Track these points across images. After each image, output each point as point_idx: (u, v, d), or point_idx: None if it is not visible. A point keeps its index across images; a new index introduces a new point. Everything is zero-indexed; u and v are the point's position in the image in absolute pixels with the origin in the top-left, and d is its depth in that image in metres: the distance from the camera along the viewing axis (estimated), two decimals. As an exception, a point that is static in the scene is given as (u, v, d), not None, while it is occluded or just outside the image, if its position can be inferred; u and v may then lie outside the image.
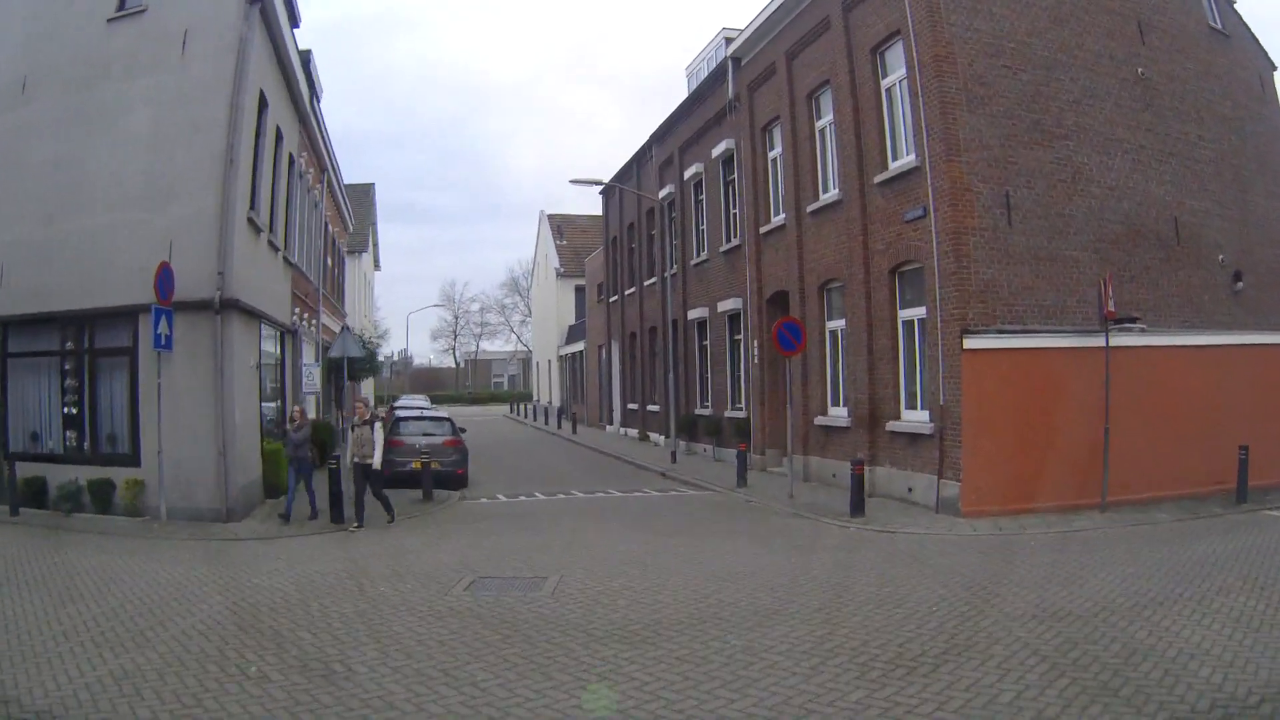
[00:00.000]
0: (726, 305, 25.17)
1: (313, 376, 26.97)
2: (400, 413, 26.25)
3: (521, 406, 62.74)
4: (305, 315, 27.31)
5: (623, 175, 38.25)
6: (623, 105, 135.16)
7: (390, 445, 21.78)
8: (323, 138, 30.38)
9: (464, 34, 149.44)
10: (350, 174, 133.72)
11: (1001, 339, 15.70)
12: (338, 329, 36.54)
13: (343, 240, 39.90)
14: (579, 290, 55.82)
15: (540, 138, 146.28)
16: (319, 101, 30.63)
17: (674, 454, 25.72)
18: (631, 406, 36.66)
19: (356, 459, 16.41)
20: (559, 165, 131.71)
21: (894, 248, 17.45)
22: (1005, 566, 11.59)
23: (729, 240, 25.66)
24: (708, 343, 27.43)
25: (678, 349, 29.52)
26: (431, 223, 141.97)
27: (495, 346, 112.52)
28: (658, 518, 16.72)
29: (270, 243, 21.30)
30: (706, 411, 27.27)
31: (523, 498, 19.83)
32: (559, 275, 57.38)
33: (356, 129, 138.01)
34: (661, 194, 31.25)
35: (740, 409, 24.81)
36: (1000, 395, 15.64)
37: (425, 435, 21.96)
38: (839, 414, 19.52)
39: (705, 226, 27.90)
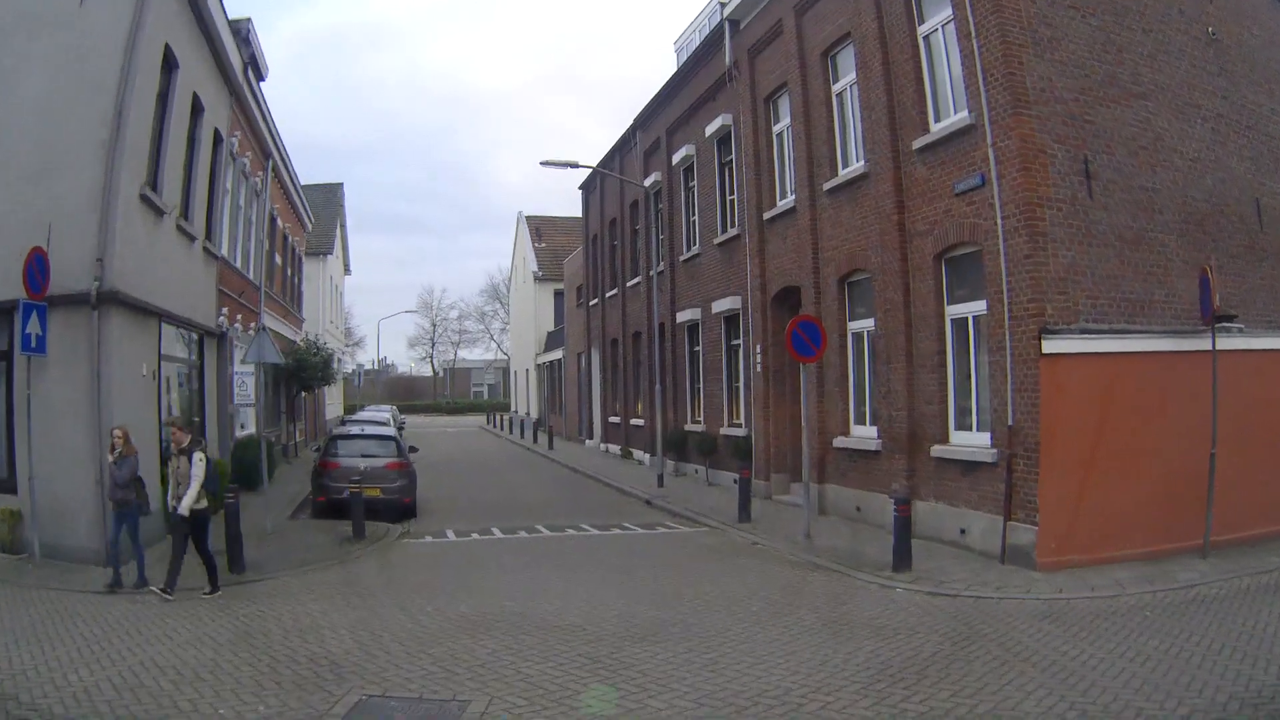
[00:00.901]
0: (722, 305, 21.52)
1: (246, 387, 23.13)
2: (341, 429, 22.37)
3: (498, 418, 58.84)
4: (239, 317, 23.49)
5: (603, 166, 34.57)
6: (607, 116, 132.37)
7: (323, 469, 18.09)
8: (267, 122, 26.60)
9: (448, 45, 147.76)
10: (337, 185, 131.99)
11: (1089, 340, 12.13)
12: (292, 334, 32.75)
13: (299, 239, 36.05)
14: (558, 295, 52.17)
15: (525, 149, 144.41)
16: (261, 79, 26.82)
17: (661, 477, 22.03)
18: (613, 420, 32.94)
19: (173, 503, 11.56)
20: (543, 175, 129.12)
21: (941, 228, 13.84)
22: (1137, 661, 7.92)
23: (725, 230, 22.03)
24: (700, 349, 23.77)
25: (665, 356, 25.83)
26: (417, 233, 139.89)
27: (476, 355, 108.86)
28: (641, 568, 12.93)
29: (182, 229, 17.67)
30: (699, 428, 23.59)
31: (476, 535, 16.00)
32: (537, 279, 53.66)
33: (340, 139, 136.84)
34: (647, 182, 27.62)
35: (739, 426, 21.14)
36: (1086, 412, 12.07)
37: (365, 457, 18.21)
38: (865, 435, 15.87)
39: (697, 217, 24.27)
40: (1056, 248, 12.46)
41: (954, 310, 13.85)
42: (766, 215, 19.30)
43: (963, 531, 13.26)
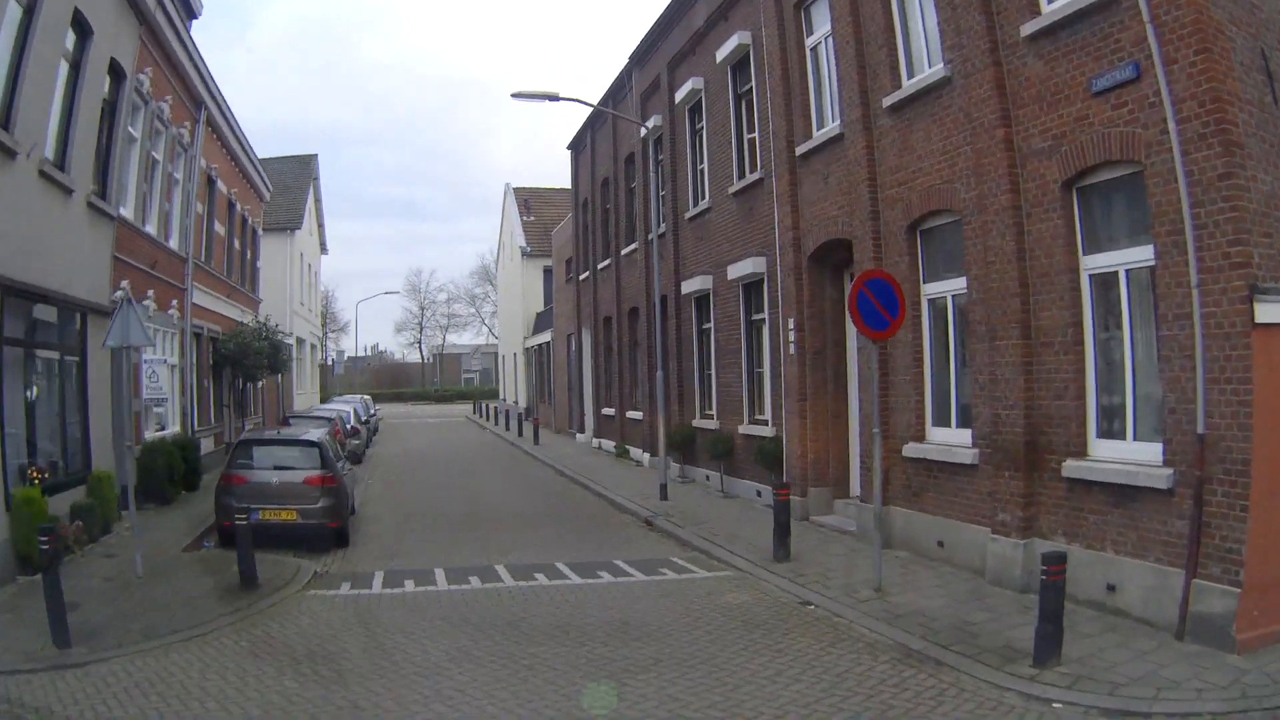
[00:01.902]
0: (741, 269, 17.20)
1: (157, 379, 18.86)
2: (253, 433, 18.12)
3: (485, 407, 54.47)
4: (151, 293, 19.19)
5: (594, 121, 30.23)
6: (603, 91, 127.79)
7: (227, 484, 13.87)
8: (198, 68, 22.26)
9: (442, 28, 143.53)
10: (332, 170, 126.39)
11: (1338, 303, 7.86)
12: (240, 315, 28.42)
13: (252, 209, 31.63)
14: (548, 272, 47.79)
15: (520, 130, 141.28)
16: (194, 17, 22.41)
17: (664, 487, 17.72)
18: (607, 412, 28.64)
19: None
20: (537, 154, 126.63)
21: (1071, 143, 9.53)
22: None
23: (744, 175, 17.70)
24: (712, 326, 19.47)
25: (668, 336, 21.50)
26: (413, 218, 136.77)
27: (466, 340, 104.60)
28: (647, 667, 8.30)
29: (50, 177, 13.55)
30: (710, 425, 19.28)
31: (411, 585, 11.53)
32: (525, 255, 49.30)
33: (334, 123, 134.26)
34: (644, 129, 23.26)
35: (764, 424, 16.84)
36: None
37: (278, 470, 13.93)
38: (951, 441, 11.58)
39: (706, 164, 19.92)
40: (1255, 168, 8.24)
41: (1096, 262, 9.56)
42: (800, 150, 14.97)
43: (1111, 588, 9.02)
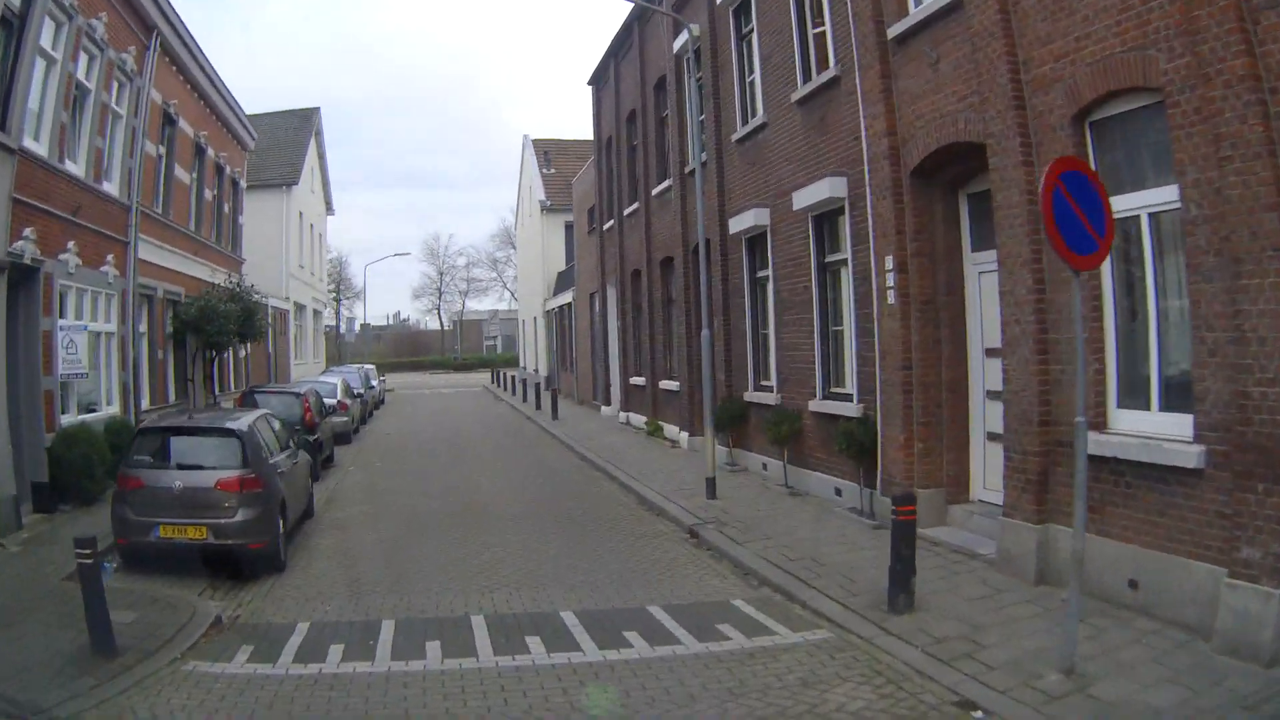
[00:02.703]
0: (811, 196, 13.40)
1: (75, 349, 15.43)
2: (155, 420, 14.61)
3: (504, 376, 50.92)
4: (72, 244, 15.76)
5: (618, 48, 26.46)
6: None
7: (123, 489, 10.42)
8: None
9: None
10: (351, 139, 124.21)
11: None
12: (211, 276, 24.95)
13: (230, 157, 28.10)
14: (569, 228, 44.14)
15: (540, 98, 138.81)
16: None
17: (711, 482, 13.98)
18: (636, 382, 24.96)
19: None
20: (558, 111, 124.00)
21: None
22: None
23: (811, 76, 13.82)
24: (769, 273, 15.68)
25: (712, 289, 17.74)
26: (438, 187, 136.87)
27: (488, 305, 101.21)
28: None
29: None
30: (769, 399, 15.53)
31: (337, 654, 7.79)
32: (545, 209, 45.48)
33: (354, 95, 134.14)
34: (677, 45, 19.43)
35: (848, 398, 13.02)
36: None
37: (183, 470, 10.37)
38: (1155, 430, 7.79)
39: (759, 73, 16.04)
40: None
41: None
42: (895, 30, 11.10)
43: None
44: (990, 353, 10.33)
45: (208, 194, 25.32)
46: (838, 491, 12.97)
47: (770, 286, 15.55)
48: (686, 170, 19.75)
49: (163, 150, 21.51)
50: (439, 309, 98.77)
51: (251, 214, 36.65)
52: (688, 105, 19.52)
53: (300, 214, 41.44)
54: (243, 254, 29.51)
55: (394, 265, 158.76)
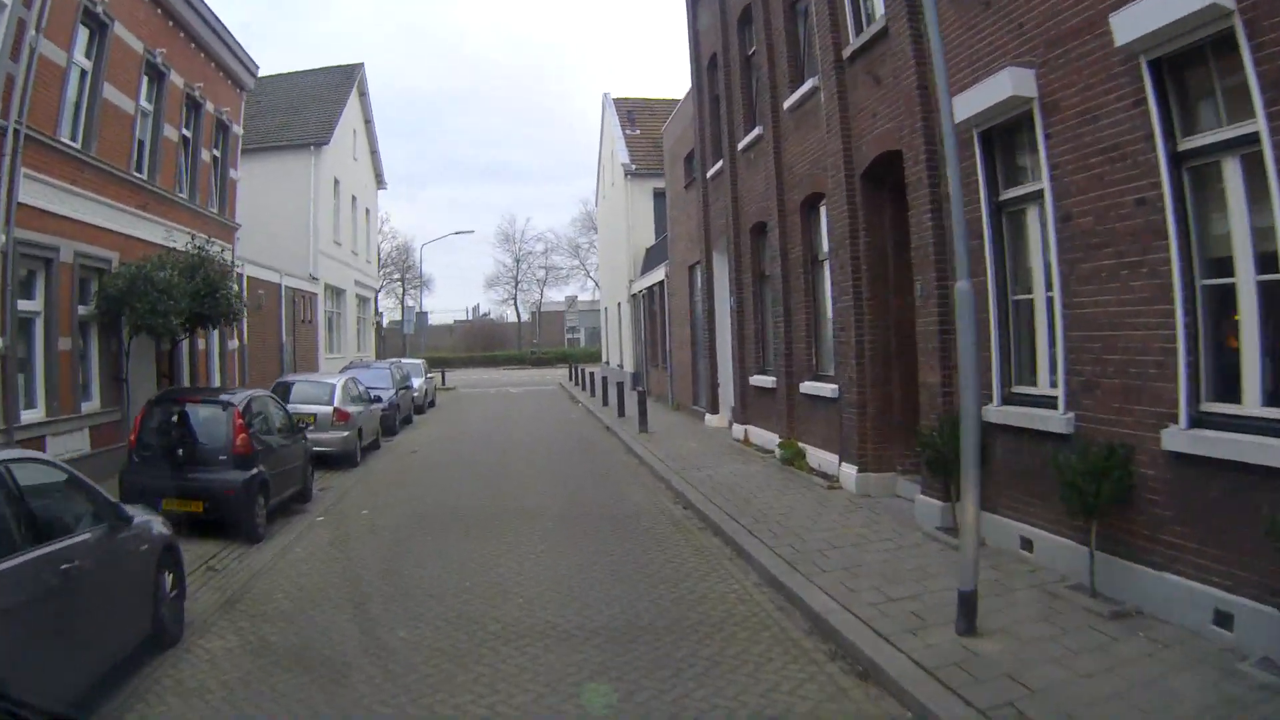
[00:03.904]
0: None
1: None
2: None
3: (582, 373, 44.12)
4: None
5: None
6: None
7: None
8: None
9: None
10: (426, 135, 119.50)
11: None
12: (167, 241, 18.73)
13: (213, 92, 21.99)
14: (658, 197, 37.49)
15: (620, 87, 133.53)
16: None
17: (970, 602, 6.91)
18: (760, 383, 17.93)
19: None
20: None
21: None
22: None
23: None
24: (1042, 185, 8.53)
25: (946, 215, 10.74)
26: (514, 181, 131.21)
27: (568, 294, 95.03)
28: None
29: None
30: (1050, 419, 8.33)
31: None
32: (630, 175, 38.89)
33: (427, 88, 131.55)
34: None
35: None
36: None
37: None
38: None
39: None
40: None
41: None
42: None
43: None
44: None
45: (169, 131, 19.16)
46: (1222, 619, 6.00)
47: (1044, 211, 8.44)
48: (846, 50, 12.80)
49: (81, 59, 15.40)
50: (514, 299, 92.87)
51: (272, 178, 30.84)
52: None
53: (336, 182, 35.52)
54: (236, 218, 23.37)
55: (470, 258, 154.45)
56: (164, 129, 19.00)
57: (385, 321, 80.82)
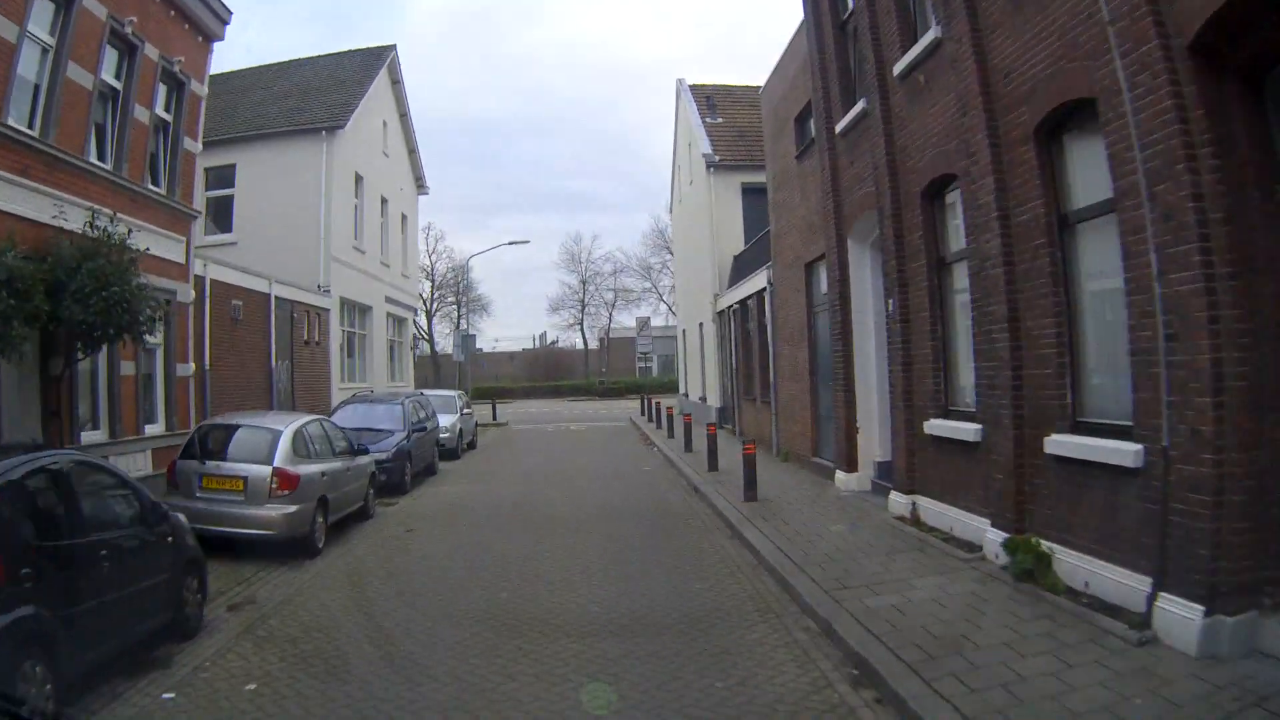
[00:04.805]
0: None
1: None
2: None
3: (656, 407, 37.97)
4: None
5: None
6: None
7: None
8: None
9: (602, 17, 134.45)
10: (498, 166, 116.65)
11: None
12: (50, 219, 13.15)
13: (161, 34, 16.68)
14: (748, 193, 31.63)
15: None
16: None
17: None
18: (947, 431, 11.63)
19: None
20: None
21: None
22: None
23: None
24: None
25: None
26: (588, 209, 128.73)
27: (639, 316, 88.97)
28: None
29: None
30: None
31: None
32: (713, 168, 33.07)
33: (495, 116, 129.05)
34: None
35: None
36: None
37: None
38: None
39: None
40: None
41: None
42: None
43: None
44: None
45: (77, 74, 13.76)
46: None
47: None
48: None
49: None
50: (580, 324, 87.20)
51: (277, 171, 25.58)
52: None
53: (359, 178, 30.25)
54: (195, 203, 17.94)
55: (536, 285, 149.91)
56: (67, 68, 13.60)
57: (440, 349, 76.30)
